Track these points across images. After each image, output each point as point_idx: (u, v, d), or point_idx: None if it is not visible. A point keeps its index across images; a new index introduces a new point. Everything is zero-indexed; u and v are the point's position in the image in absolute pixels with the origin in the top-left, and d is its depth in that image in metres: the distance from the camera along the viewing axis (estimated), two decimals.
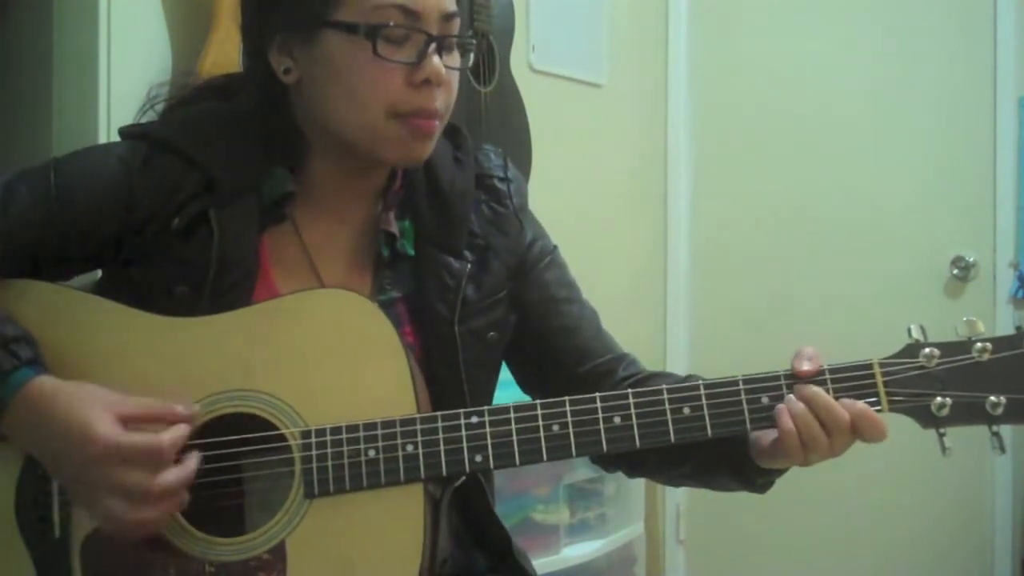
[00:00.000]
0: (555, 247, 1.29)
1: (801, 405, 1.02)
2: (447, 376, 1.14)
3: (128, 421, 0.98)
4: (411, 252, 1.18)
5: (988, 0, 2.74)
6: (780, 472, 1.11)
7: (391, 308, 1.15)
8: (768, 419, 1.04)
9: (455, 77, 1.13)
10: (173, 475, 0.97)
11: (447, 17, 1.10)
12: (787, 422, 1.02)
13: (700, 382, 1.04)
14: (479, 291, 1.18)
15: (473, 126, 2.12)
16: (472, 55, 1.17)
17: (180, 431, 0.98)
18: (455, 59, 1.13)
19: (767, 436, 1.07)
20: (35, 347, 1.03)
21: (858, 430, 1.01)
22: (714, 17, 3.07)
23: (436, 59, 1.08)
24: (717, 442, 1.06)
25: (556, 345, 1.24)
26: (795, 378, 1.04)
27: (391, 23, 1.06)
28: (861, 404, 1.02)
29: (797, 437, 1.01)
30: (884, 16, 2.87)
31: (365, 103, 1.08)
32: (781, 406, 1.02)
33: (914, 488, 2.77)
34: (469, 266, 1.17)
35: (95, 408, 0.97)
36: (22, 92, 1.94)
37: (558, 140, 2.60)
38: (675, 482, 1.25)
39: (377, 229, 1.18)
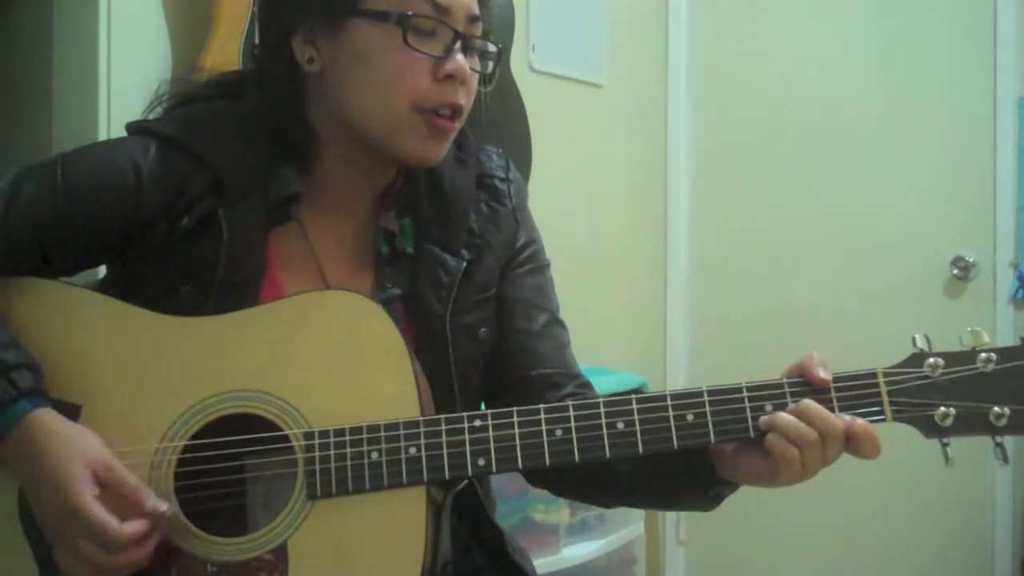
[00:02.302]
0: (548, 263, 1.29)
1: (793, 419, 1.00)
2: (437, 372, 1.14)
3: (105, 485, 0.98)
4: (410, 250, 1.19)
5: (988, 0, 2.74)
6: (735, 486, 1.10)
7: (390, 305, 1.15)
8: None
9: (475, 79, 1.14)
10: (128, 558, 0.98)
11: (473, 19, 1.12)
12: (779, 441, 0.99)
13: (704, 388, 1.03)
14: (472, 287, 1.18)
15: (473, 126, 2.11)
16: (491, 63, 1.17)
17: (141, 525, 0.98)
18: (475, 63, 1.14)
19: (733, 449, 1.05)
20: (37, 373, 1.03)
21: (854, 443, 1.00)
22: (714, 17, 3.06)
23: (461, 56, 1.10)
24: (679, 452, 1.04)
25: (514, 343, 1.22)
26: (801, 385, 1.02)
27: (421, 13, 1.08)
28: (861, 420, 1.00)
29: (795, 452, 0.99)
30: (884, 16, 2.86)
31: (390, 94, 1.09)
32: (770, 425, 1.00)
33: (914, 488, 2.77)
34: (465, 264, 1.18)
35: (80, 464, 0.98)
36: (22, 92, 1.94)
37: (558, 140, 2.60)
38: (608, 500, 1.24)
39: (377, 227, 1.19)
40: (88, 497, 0.96)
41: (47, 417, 1.00)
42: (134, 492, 0.99)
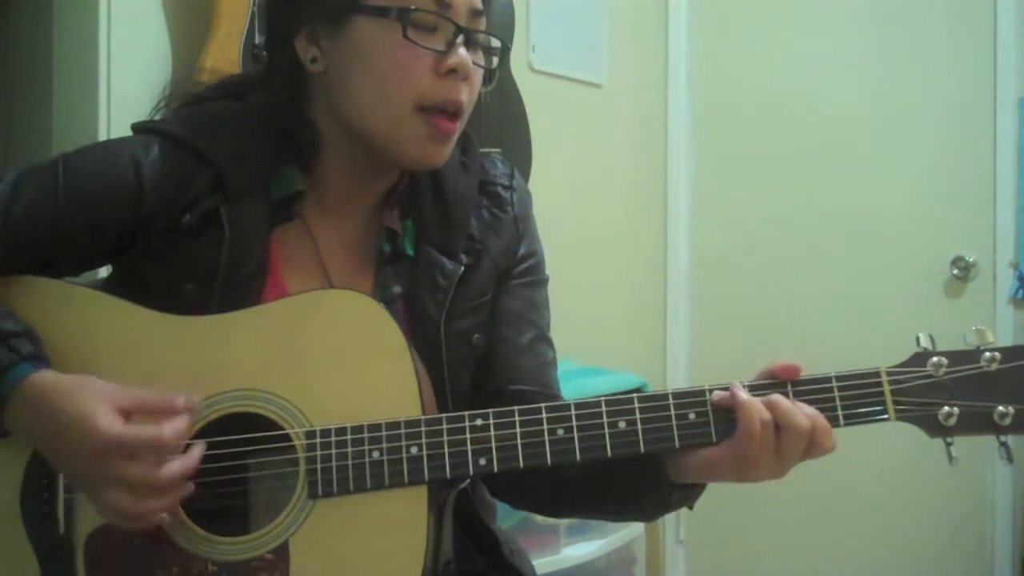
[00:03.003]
0: (546, 278, 1.28)
1: (765, 409, 0.99)
2: (431, 374, 1.13)
3: (129, 413, 0.98)
4: (410, 252, 1.18)
5: (988, 0, 2.74)
6: (688, 492, 1.09)
7: (392, 305, 1.14)
8: None
9: (478, 76, 1.14)
10: (177, 466, 0.97)
11: (475, 13, 1.11)
12: (753, 424, 0.99)
13: (706, 386, 1.03)
14: (468, 292, 1.18)
15: (473, 126, 2.11)
16: (495, 59, 1.17)
17: (181, 423, 0.98)
18: (479, 58, 1.13)
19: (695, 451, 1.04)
20: (37, 342, 1.03)
21: (813, 441, 0.99)
22: (714, 17, 3.07)
23: (463, 51, 1.09)
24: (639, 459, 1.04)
25: (498, 354, 1.21)
26: (804, 383, 1.02)
27: (422, 8, 1.07)
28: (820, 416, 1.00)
29: (758, 440, 0.99)
30: (884, 16, 2.86)
31: (392, 90, 1.09)
32: (745, 401, 0.99)
33: (914, 488, 2.77)
34: (463, 268, 1.17)
35: (96, 401, 0.97)
36: (22, 92, 1.94)
37: (558, 140, 2.60)
38: (567, 511, 1.24)
39: (380, 226, 1.19)
40: (119, 422, 0.96)
41: (51, 376, 1.00)
42: (160, 402, 0.99)
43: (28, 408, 0.99)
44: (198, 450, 1.00)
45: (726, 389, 1.02)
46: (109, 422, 0.96)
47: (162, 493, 0.97)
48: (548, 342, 1.26)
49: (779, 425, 0.99)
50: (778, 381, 1.03)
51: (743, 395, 1.00)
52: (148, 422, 0.97)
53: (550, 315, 1.28)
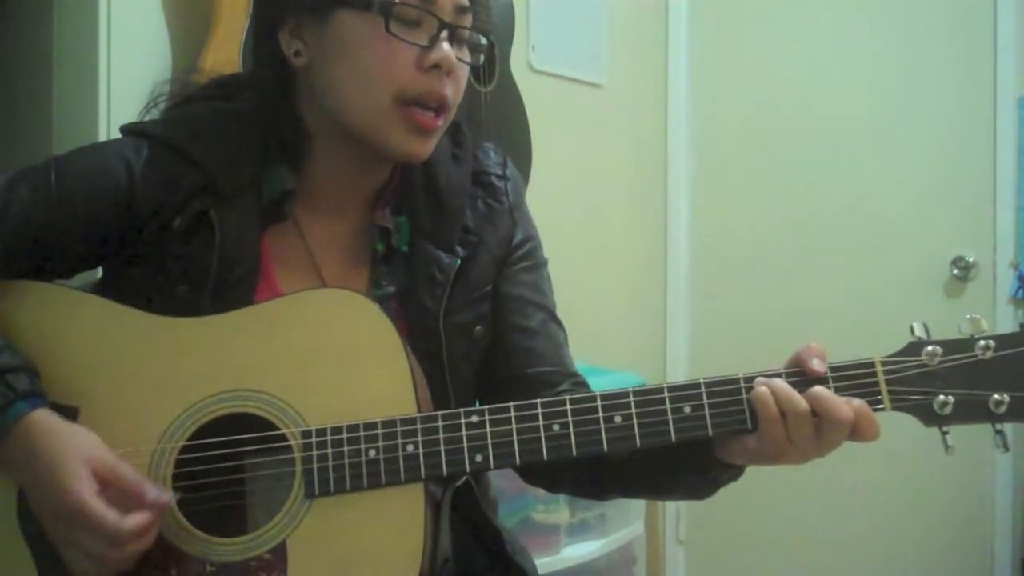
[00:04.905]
0: (545, 260, 1.28)
1: (787, 387, 0.99)
2: (430, 370, 1.13)
3: (105, 482, 0.97)
4: (404, 248, 1.18)
5: (988, 0, 2.74)
6: (734, 471, 1.09)
7: (385, 303, 1.14)
8: None
9: (464, 72, 1.13)
10: (129, 551, 0.97)
11: (460, 10, 1.11)
12: (771, 412, 0.99)
13: (701, 380, 1.03)
14: (467, 284, 1.18)
15: (473, 126, 2.12)
16: (481, 56, 1.17)
17: (142, 518, 0.97)
18: (464, 55, 1.13)
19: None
20: (33, 376, 1.02)
21: (857, 429, 0.99)
22: (714, 17, 3.07)
23: (446, 46, 1.09)
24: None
25: (510, 341, 1.21)
26: (799, 375, 1.02)
27: (405, 2, 1.07)
28: (858, 402, 0.99)
29: (783, 431, 0.99)
30: (884, 16, 2.87)
31: (374, 83, 1.08)
32: (763, 393, 0.99)
33: (914, 488, 2.77)
34: (459, 261, 1.17)
35: (77, 462, 0.97)
36: (22, 92, 1.95)
37: (558, 140, 2.60)
38: (607, 491, 1.22)
39: (372, 224, 1.19)
40: (88, 493, 0.96)
41: (45, 418, 1.00)
42: (134, 486, 0.98)
43: (18, 449, 0.99)
44: (151, 536, 0.98)
45: (731, 383, 1.02)
46: (83, 487, 0.96)
47: (113, 567, 0.98)
48: (558, 322, 1.26)
49: (817, 413, 0.99)
50: (773, 372, 1.02)
51: (758, 386, 1.00)
52: (120, 494, 0.97)
53: (554, 296, 1.28)
